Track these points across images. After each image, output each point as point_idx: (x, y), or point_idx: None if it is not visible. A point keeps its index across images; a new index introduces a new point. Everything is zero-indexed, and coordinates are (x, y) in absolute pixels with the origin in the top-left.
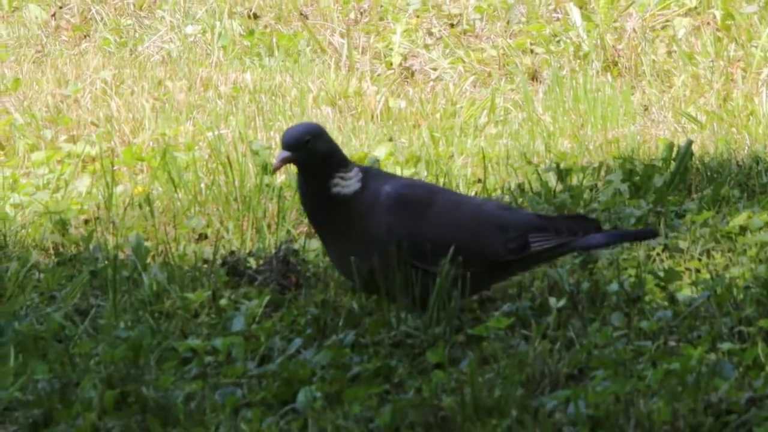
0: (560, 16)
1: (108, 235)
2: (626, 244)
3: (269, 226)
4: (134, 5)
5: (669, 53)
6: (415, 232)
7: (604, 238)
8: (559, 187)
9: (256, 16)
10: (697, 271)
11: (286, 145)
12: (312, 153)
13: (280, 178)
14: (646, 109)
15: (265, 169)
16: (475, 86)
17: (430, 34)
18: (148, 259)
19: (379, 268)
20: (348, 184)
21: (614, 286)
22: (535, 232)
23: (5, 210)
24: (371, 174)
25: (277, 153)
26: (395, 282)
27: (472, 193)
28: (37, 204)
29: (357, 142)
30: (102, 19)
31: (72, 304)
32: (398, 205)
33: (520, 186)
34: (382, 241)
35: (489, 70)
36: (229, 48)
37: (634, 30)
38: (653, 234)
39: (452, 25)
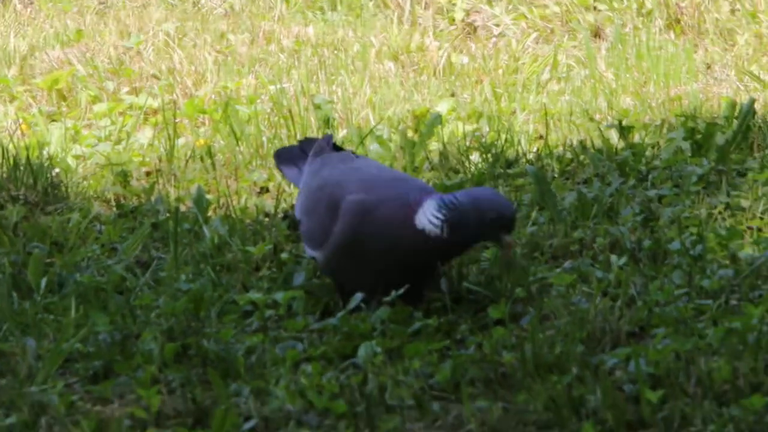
0: None
1: (169, 188)
2: (687, 202)
3: None
4: None
5: (732, 11)
6: None
7: None
8: (621, 144)
9: None
10: (759, 230)
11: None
12: None
13: (342, 132)
14: (708, 67)
15: (327, 123)
16: (537, 43)
17: None
18: (210, 212)
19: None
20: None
21: (676, 245)
22: None
23: (67, 161)
24: None
25: (509, 239)
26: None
27: (534, 149)
28: (98, 155)
29: (419, 98)
30: None
31: (133, 256)
32: None
33: (581, 143)
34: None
35: (552, 27)
36: (292, 1)
37: None
38: None
39: None
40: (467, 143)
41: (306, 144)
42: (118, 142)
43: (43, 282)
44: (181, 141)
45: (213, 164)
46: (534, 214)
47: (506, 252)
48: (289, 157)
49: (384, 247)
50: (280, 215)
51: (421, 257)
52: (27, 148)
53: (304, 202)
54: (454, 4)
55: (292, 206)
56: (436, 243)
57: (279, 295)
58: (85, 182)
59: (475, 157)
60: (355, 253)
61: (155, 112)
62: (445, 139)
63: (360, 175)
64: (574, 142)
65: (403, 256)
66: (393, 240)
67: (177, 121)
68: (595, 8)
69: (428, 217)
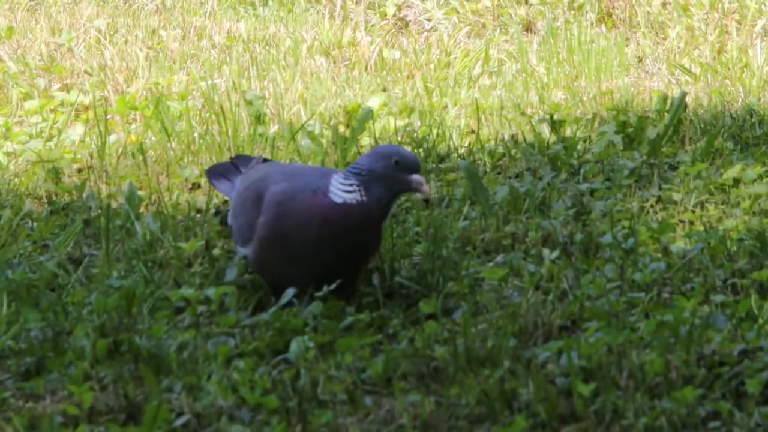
0: None
1: (101, 184)
2: (619, 196)
3: None
4: None
5: (664, 5)
6: None
7: None
8: (553, 138)
9: None
10: (691, 223)
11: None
12: None
13: (274, 128)
14: (640, 61)
15: (259, 118)
16: (469, 37)
17: None
18: (141, 209)
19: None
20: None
21: (608, 238)
22: None
23: None
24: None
25: (420, 177)
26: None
27: (466, 144)
28: (30, 152)
29: (351, 93)
30: None
31: (65, 253)
32: None
33: (513, 137)
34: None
35: (483, 21)
36: None
37: None
38: None
39: None
40: (399, 138)
41: (238, 159)
42: (50, 139)
43: None
44: (112, 138)
45: (144, 161)
46: (466, 208)
47: (421, 190)
48: (221, 171)
49: (313, 238)
50: (212, 211)
51: (350, 236)
52: None
53: (234, 206)
54: None
55: (224, 202)
56: (359, 213)
57: (211, 291)
58: (16, 179)
59: None
60: (282, 245)
61: (86, 108)
62: (377, 134)
63: (282, 169)
64: (506, 137)
65: (332, 239)
66: (318, 226)
67: (108, 117)
68: (526, 2)
69: (341, 189)
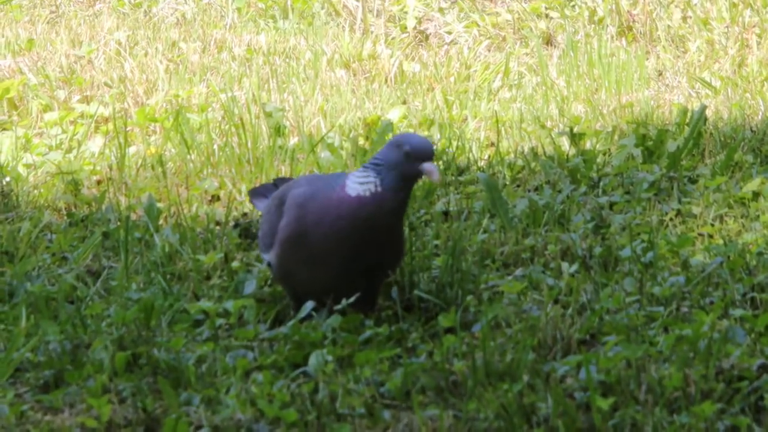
0: None
1: (120, 196)
2: (638, 209)
3: None
4: None
5: (684, 18)
6: None
7: None
8: (572, 151)
9: None
10: (710, 236)
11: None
12: None
13: (293, 140)
14: (660, 74)
15: (278, 131)
16: (489, 50)
17: None
18: (161, 221)
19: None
20: None
21: (627, 251)
22: None
23: (18, 170)
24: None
25: (430, 165)
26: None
27: (485, 157)
28: (49, 164)
29: (371, 105)
30: None
31: (84, 265)
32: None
33: (533, 150)
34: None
35: (503, 34)
36: (244, 10)
37: None
38: None
39: None
40: None
41: (280, 181)
42: (69, 150)
43: None
44: (132, 149)
45: (164, 173)
46: (485, 221)
47: (431, 177)
48: (262, 192)
49: (330, 234)
50: (231, 224)
51: (366, 228)
52: None
53: (262, 216)
54: (405, 12)
55: (244, 215)
56: (373, 204)
57: (230, 304)
58: (35, 191)
59: None
60: (301, 245)
61: (106, 120)
62: None
63: (307, 176)
64: (526, 150)
65: (348, 232)
66: (333, 220)
67: (128, 129)
68: (547, 16)
69: (355, 182)
